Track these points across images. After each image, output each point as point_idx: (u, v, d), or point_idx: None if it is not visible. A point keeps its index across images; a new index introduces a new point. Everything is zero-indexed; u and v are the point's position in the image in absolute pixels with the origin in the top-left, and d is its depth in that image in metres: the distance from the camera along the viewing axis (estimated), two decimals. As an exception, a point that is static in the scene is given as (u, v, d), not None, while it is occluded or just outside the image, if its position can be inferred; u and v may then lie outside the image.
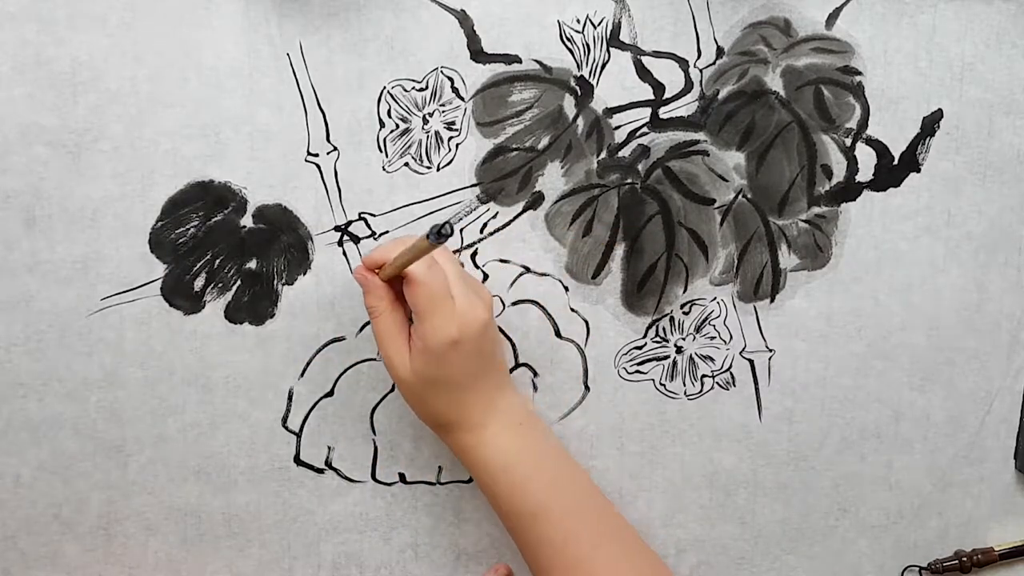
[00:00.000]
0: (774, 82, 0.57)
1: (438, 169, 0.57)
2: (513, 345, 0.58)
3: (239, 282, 0.57)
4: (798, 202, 0.58)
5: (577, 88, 0.57)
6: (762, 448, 0.60)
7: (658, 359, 0.59)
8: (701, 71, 0.57)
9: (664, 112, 0.57)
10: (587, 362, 0.59)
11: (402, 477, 0.59)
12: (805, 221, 0.59)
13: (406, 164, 0.57)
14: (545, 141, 0.57)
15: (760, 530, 0.61)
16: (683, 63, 0.57)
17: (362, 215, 0.57)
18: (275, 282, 0.57)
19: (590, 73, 0.57)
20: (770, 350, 0.59)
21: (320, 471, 0.59)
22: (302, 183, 0.56)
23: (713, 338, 0.59)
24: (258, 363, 0.58)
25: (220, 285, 0.57)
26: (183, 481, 0.58)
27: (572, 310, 0.59)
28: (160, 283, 0.56)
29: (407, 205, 0.57)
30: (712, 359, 0.59)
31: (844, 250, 0.59)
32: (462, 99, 0.57)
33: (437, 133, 0.57)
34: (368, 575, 0.60)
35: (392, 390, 0.58)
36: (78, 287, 0.56)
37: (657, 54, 0.57)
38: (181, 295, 0.57)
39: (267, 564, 0.59)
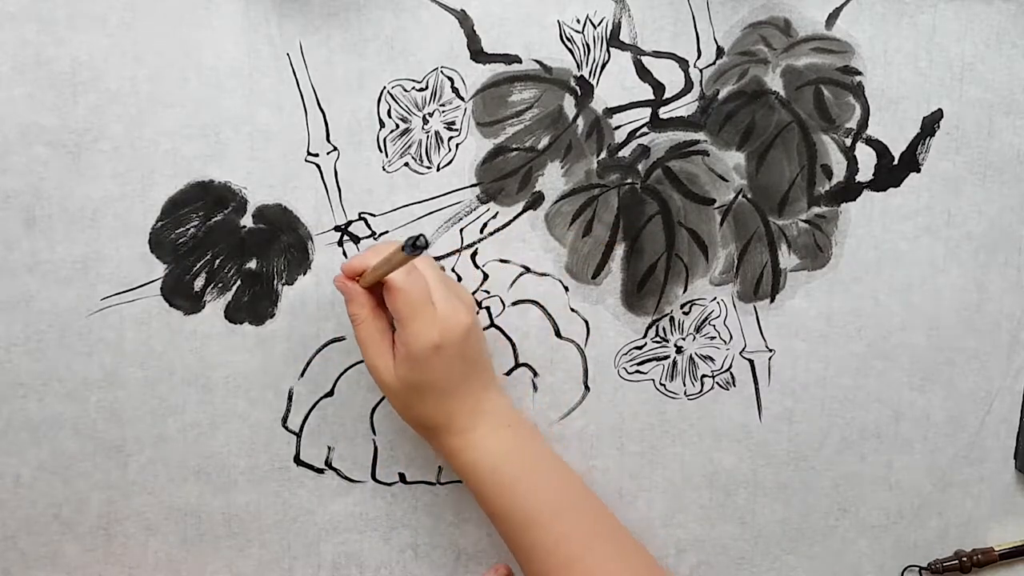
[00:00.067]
0: (774, 82, 0.57)
1: (438, 169, 0.57)
2: (513, 345, 0.58)
3: (239, 282, 0.57)
4: (798, 202, 0.58)
5: (577, 88, 0.57)
6: (762, 448, 0.60)
7: (658, 359, 0.59)
8: (701, 71, 0.57)
9: (664, 112, 0.57)
10: (587, 362, 0.59)
11: (402, 477, 0.59)
12: (805, 221, 0.59)
13: (406, 164, 0.57)
14: (545, 141, 0.57)
15: (760, 530, 0.61)
16: (683, 63, 0.57)
17: (362, 215, 0.57)
18: (275, 282, 0.57)
19: (590, 73, 0.57)
20: (770, 350, 0.59)
21: (320, 471, 0.59)
22: (302, 183, 0.56)
23: (713, 338, 0.59)
24: (258, 363, 0.58)
25: (220, 285, 0.57)
26: (183, 481, 0.58)
27: (572, 310, 0.59)
28: (160, 283, 0.56)
29: (407, 205, 0.57)
30: (712, 359, 0.59)
31: (844, 250, 0.59)
32: (462, 99, 0.57)
33: (437, 133, 0.57)
34: (368, 575, 0.60)
35: (392, 390, 0.58)
36: (78, 287, 0.56)
37: (657, 54, 0.57)
38: (181, 295, 0.57)
39: (267, 564, 0.59)
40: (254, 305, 0.57)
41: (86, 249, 0.56)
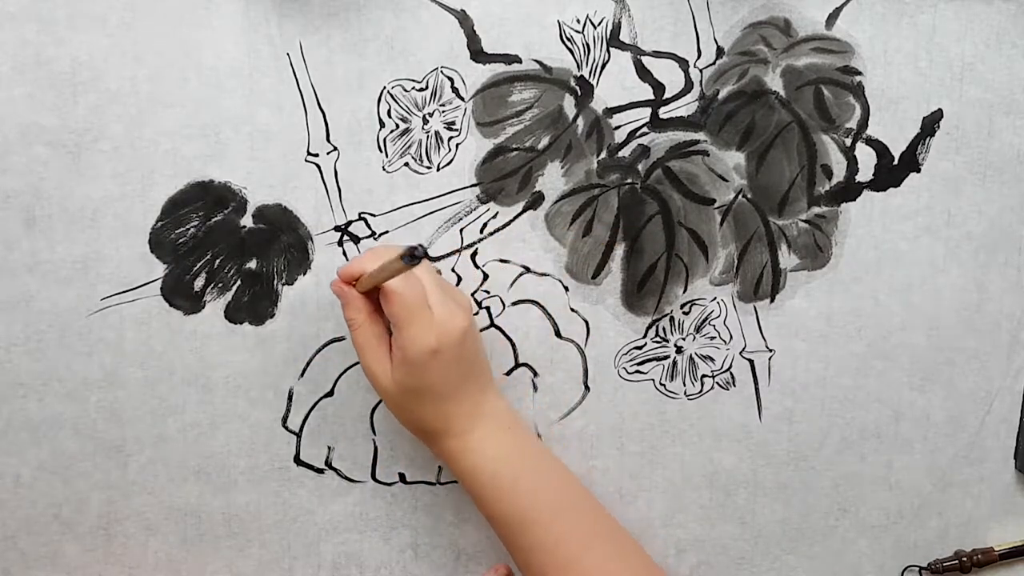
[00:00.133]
0: (774, 82, 0.57)
1: (438, 169, 0.57)
2: (513, 345, 0.58)
3: (239, 282, 0.57)
4: (798, 202, 0.58)
5: (577, 88, 0.57)
6: (762, 448, 0.60)
7: (658, 359, 0.59)
8: (701, 71, 0.57)
9: (664, 112, 0.57)
10: (587, 362, 0.59)
11: (402, 477, 0.59)
12: (805, 221, 0.59)
13: (406, 164, 0.57)
14: (545, 141, 0.57)
15: (760, 530, 0.61)
16: (683, 63, 0.57)
17: (362, 215, 0.57)
18: (275, 282, 0.57)
19: (590, 73, 0.57)
20: (770, 350, 0.59)
21: (320, 471, 0.59)
22: (302, 183, 0.56)
23: (713, 338, 0.59)
24: (258, 363, 0.58)
25: (220, 285, 0.57)
26: (183, 481, 0.58)
27: (572, 310, 0.59)
28: (160, 283, 0.56)
29: (407, 205, 0.57)
30: (712, 359, 0.59)
31: (844, 250, 0.59)
32: (462, 99, 0.57)
33: (437, 133, 0.57)
34: (368, 575, 0.60)
35: (392, 390, 0.58)
36: (78, 287, 0.56)
37: (657, 54, 0.57)
38: (181, 295, 0.57)
39: (267, 564, 0.59)
40: (254, 305, 0.57)
41: (86, 249, 0.56)
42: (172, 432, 0.58)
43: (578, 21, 0.56)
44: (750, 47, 0.57)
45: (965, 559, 0.60)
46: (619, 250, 0.58)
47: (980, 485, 0.61)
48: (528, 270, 0.58)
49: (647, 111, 0.57)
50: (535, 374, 0.59)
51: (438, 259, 0.58)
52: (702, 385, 0.60)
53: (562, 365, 0.59)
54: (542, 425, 0.59)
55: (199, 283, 0.57)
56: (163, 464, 0.58)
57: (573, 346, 0.59)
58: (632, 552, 0.55)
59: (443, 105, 0.56)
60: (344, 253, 0.57)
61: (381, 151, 0.57)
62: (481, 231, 0.58)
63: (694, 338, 0.59)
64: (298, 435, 0.58)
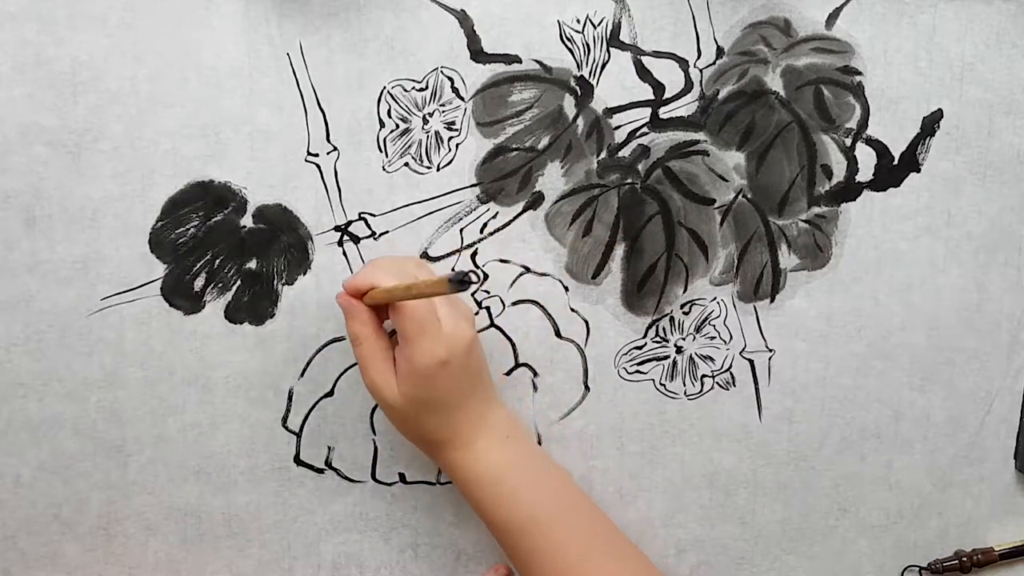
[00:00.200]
0: (774, 82, 0.57)
1: (438, 169, 0.57)
2: (513, 345, 0.58)
3: (239, 282, 0.57)
4: (798, 202, 0.58)
5: (577, 88, 0.57)
6: (762, 448, 0.60)
7: (658, 359, 0.59)
8: (701, 71, 0.57)
9: (664, 112, 0.57)
10: (587, 362, 0.59)
11: (402, 477, 0.59)
12: (805, 221, 0.59)
13: (406, 164, 0.57)
14: (545, 141, 0.57)
15: (760, 530, 0.61)
16: (683, 63, 0.57)
17: (362, 215, 0.57)
18: (275, 282, 0.57)
19: (590, 73, 0.57)
20: (770, 350, 0.59)
21: (320, 471, 0.59)
22: (302, 183, 0.56)
23: (713, 338, 0.59)
24: (258, 363, 0.58)
25: (220, 285, 0.57)
26: (183, 481, 0.58)
27: (572, 310, 0.59)
28: (160, 283, 0.56)
29: (407, 205, 0.57)
30: (712, 359, 0.59)
31: (844, 250, 0.59)
32: (462, 99, 0.57)
33: (437, 133, 0.57)
34: (368, 575, 0.60)
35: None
36: (78, 287, 0.56)
37: (657, 54, 0.57)
38: (181, 295, 0.57)
39: (267, 564, 0.59)
40: (254, 305, 0.57)
41: (86, 249, 0.56)
42: (172, 432, 0.58)
43: (578, 21, 0.56)
44: (750, 47, 0.57)
45: (965, 559, 0.60)
46: (619, 250, 0.58)
47: (980, 485, 0.61)
48: (528, 270, 0.58)
49: (647, 111, 0.57)
50: (535, 374, 0.59)
51: (437, 260, 0.58)
52: (702, 385, 0.60)
53: (562, 365, 0.59)
54: (542, 425, 0.59)
55: (199, 283, 0.57)
56: (163, 464, 0.58)
57: (573, 346, 0.59)
58: (632, 556, 0.55)
59: (443, 105, 0.56)
60: (344, 253, 0.57)
61: (381, 151, 0.57)
62: (481, 231, 0.58)
63: (694, 338, 0.59)
64: (298, 435, 0.58)
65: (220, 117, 0.56)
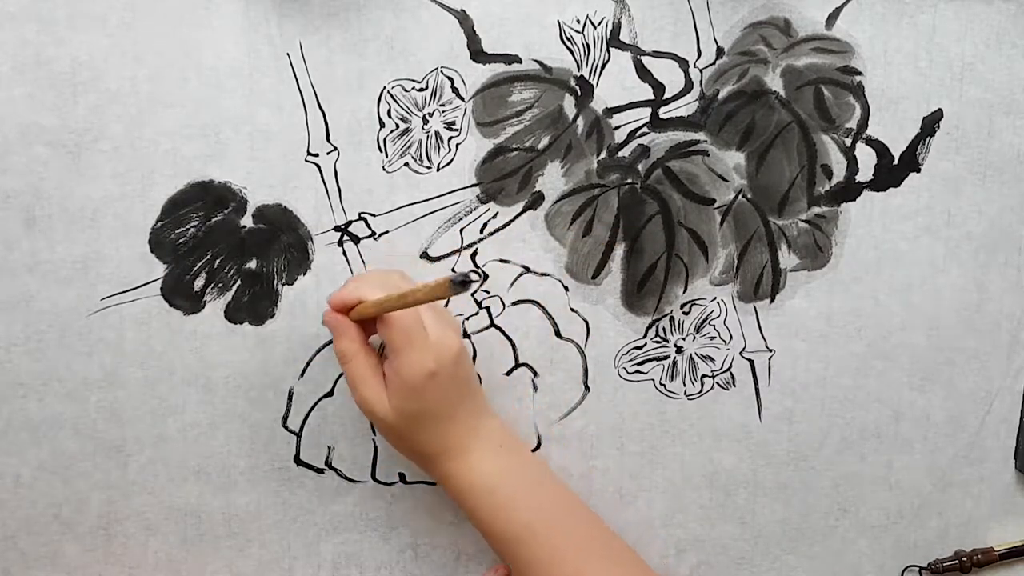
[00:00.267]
0: (774, 82, 0.57)
1: (438, 169, 0.57)
2: (513, 345, 0.58)
3: (239, 282, 0.57)
4: (798, 202, 0.58)
5: (577, 88, 0.57)
6: (762, 448, 0.60)
7: (658, 359, 0.59)
8: (701, 71, 0.57)
9: (664, 112, 0.57)
10: (587, 362, 0.59)
11: (402, 477, 0.59)
12: (805, 221, 0.59)
13: (406, 164, 0.57)
14: (545, 141, 0.57)
15: (760, 530, 0.61)
16: (683, 63, 0.57)
17: (362, 215, 0.57)
18: (275, 282, 0.57)
19: (590, 73, 0.57)
20: (770, 350, 0.59)
21: (320, 471, 0.59)
22: (302, 183, 0.56)
23: (713, 338, 0.59)
24: (258, 363, 0.58)
25: (220, 285, 0.57)
26: (183, 481, 0.58)
27: (572, 310, 0.59)
28: (160, 283, 0.56)
29: (407, 205, 0.57)
30: (712, 359, 0.59)
31: (844, 250, 0.59)
32: (462, 99, 0.57)
33: (437, 133, 0.57)
34: (368, 575, 0.60)
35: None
36: (78, 287, 0.56)
37: (657, 54, 0.57)
38: (181, 295, 0.57)
39: (267, 564, 0.59)
40: (254, 305, 0.57)
41: (86, 249, 0.56)
42: (172, 432, 0.58)
43: (578, 21, 0.56)
44: (750, 47, 0.57)
45: (965, 559, 0.60)
46: (619, 250, 0.58)
47: (980, 485, 0.61)
48: (528, 270, 0.58)
49: (647, 111, 0.57)
50: (535, 374, 0.59)
51: (437, 259, 0.58)
52: (702, 385, 0.60)
53: (562, 365, 0.59)
54: (542, 425, 0.59)
55: (199, 283, 0.57)
56: (163, 464, 0.58)
57: (573, 346, 0.59)
58: (630, 562, 0.55)
59: (443, 105, 0.56)
60: (344, 253, 0.57)
61: (381, 151, 0.57)
62: (481, 231, 0.58)
63: (694, 338, 0.59)
64: (298, 435, 0.58)
65: (220, 117, 0.56)
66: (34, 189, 0.55)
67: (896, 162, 0.58)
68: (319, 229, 0.57)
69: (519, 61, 0.56)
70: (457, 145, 0.57)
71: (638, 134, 0.57)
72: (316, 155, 0.56)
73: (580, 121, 0.57)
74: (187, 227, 0.56)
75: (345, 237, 0.57)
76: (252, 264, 0.57)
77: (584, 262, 0.58)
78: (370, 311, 0.51)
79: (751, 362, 0.59)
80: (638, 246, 0.58)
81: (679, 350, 0.59)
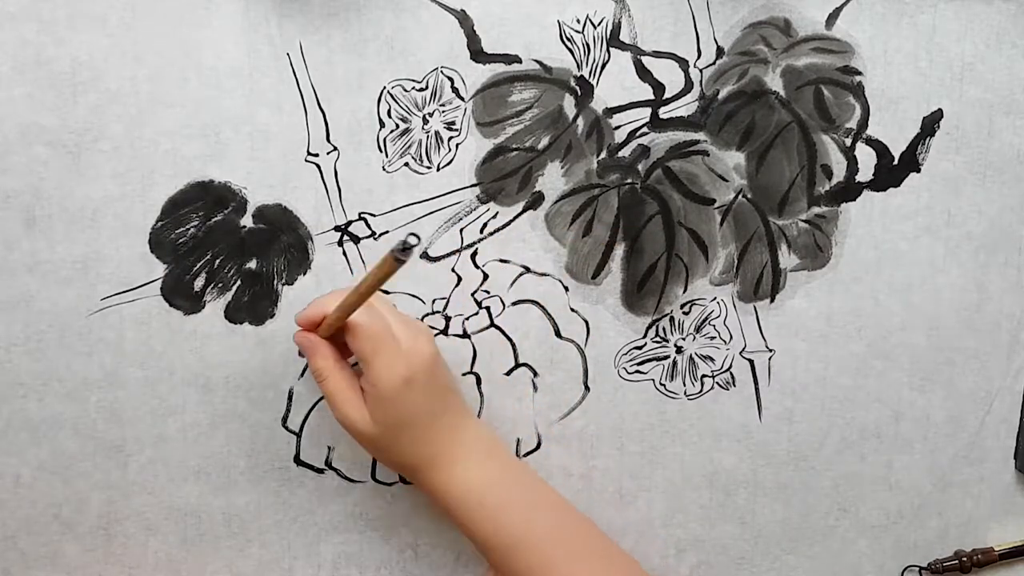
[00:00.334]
0: (774, 82, 0.57)
1: (438, 169, 0.57)
2: (513, 345, 0.58)
3: (239, 282, 0.57)
4: (798, 202, 0.58)
5: (577, 88, 0.57)
6: (762, 448, 0.60)
7: (658, 359, 0.59)
8: (701, 71, 0.57)
9: (664, 112, 0.57)
10: (587, 362, 0.59)
11: (402, 477, 0.59)
12: (805, 221, 0.59)
13: (406, 164, 0.57)
14: (545, 141, 0.57)
15: (760, 530, 0.61)
16: (683, 63, 0.57)
17: (362, 215, 0.57)
18: (275, 282, 0.57)
19: (590, 73, 0.57)
20: (770, 350, 0.59)
21: (320, 471, 0.59)
22: (302, 183, 0.56)
23: (713, 338, 0.59)
24: (258, 363, 0.57)
25: (220, 285, 0.57)
26: (183, 481, 0.58)
27: (572, 310, 0.59)
28: (160, 283, 0.56)
29: (407, 205, 0.57)
30: (712, 359, 0.59)
31: (844, 250, 0.59)
32: (462, 99, 0.57)
33: (437, 133, 0.57)
34: (368, 575, 0.60)
35: (392, 390, 0.58)
36: (78, 287, 0.56)
37: (657, 54, 0.57)
38: (181, 295, 0.57)
39: (267, 564, 0.59)
40: (254, 305, 0.57)
41: (86, 249, 0.56)
42: (172, 432, 0.58)
43: (578, 21, 0.56)
44: (750, 47, 0.57)
45: (965, 559, 0.60)
46: (619, 250, 0.58)
47: (980, 485, 0.61)
48: (528, 270, 0.58)
49: (647, 111, 0.57)
50: (535, 374, 0.59)
51: (437, 259, 0.58)
52: (702, 385, 0.60)
53: (562, 365, 0.59)
54: (542, 425, 0.59)
55: (199, 283, 0.57)
56: (163, 464, 0.58)
57: (573, 346, 0.59)
58: (623, 565, 0.55)
59: (443, 105, 0.56)
60: (344, 253, 0.57)
61: (381, 151, 0.57)
62: (481, 231, 0.58)
63: (694, 338, 0.59)
64: (298, 435, 0.58)
65: (220, 117, 0.56)
66: (34, 189, 0.55)
67: (896, 162, 0.58)
68: (319, 229, 0.57)
69: (519, 61, 0.56)
70: (457, 145, 0.57)
71: (638, 134, 0.57)
72: (316, 155, 0.56)
73: (580, 121, 0.57)
74: (187, 227, 0.56)
75: (345, 237, 0.57)
76: (252, 264, 0.57)
77: (584, 262, 0.58)
78: (334, 320, 0.51)
79: (751, 362, 0.59)
80: (638, 246, 0.58)
81: (679, 350, 0.59)
